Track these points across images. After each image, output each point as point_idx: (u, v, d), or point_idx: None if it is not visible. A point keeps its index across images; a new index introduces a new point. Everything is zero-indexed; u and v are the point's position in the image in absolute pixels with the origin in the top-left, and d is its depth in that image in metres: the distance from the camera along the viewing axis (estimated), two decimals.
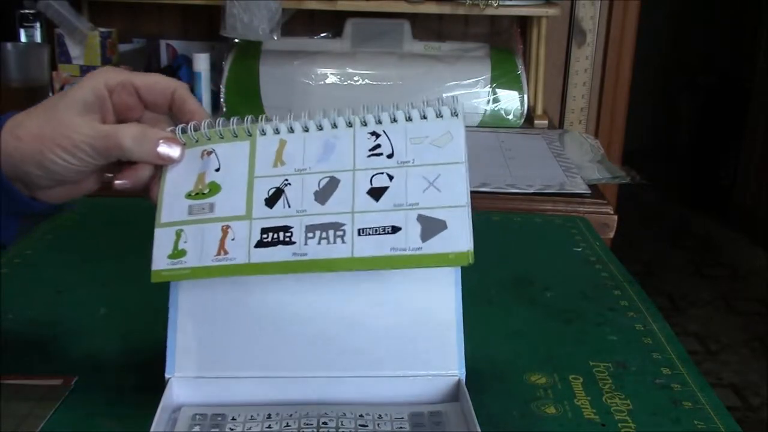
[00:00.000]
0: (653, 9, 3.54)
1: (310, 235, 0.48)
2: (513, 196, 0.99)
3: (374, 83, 1.33)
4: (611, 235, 0.97)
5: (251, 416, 0.47)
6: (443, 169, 0.49)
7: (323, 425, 0.46)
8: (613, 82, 1.61)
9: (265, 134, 0.52)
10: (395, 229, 0.48)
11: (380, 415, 0.47)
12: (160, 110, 0.53)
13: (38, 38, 1.30)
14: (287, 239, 0.48)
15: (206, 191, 0.50)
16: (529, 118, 1.36)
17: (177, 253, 0.49)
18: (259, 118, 0.52)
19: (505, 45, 1.44)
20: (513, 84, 1.33)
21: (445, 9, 1.36)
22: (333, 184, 0.49)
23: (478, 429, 0.45)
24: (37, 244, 0.80)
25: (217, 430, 0.46)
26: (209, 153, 0.52)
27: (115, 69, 0.51)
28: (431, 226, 0.48)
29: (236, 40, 1.34)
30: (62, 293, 0.69)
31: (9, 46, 1.04)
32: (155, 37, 1.55)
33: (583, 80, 1.59)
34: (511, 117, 1.33)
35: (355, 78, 1.33)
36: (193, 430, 0.46)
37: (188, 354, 0.49)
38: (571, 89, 1.59)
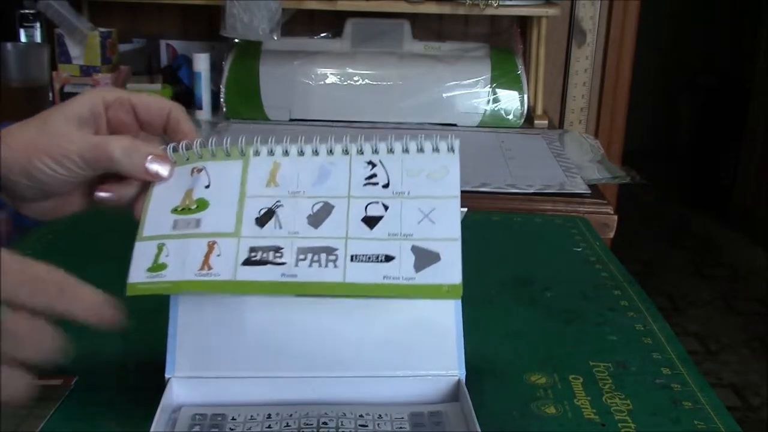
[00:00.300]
0: (653, 9, 3.54)
1: (301, 257, 0.47)
2: (513, 196, 0.99)
3: (374, 83, 1.33)
4: (611, 235, 0.97)
5: (251, 416, 0.47)
6: (438, 203, 0.49)
7: (323, 425, 0.46)
8: (613, 82, 1.61)
9: (258, 155, 0.51)
10: (389, 258, 0.47)
11: (380, 415, 0.47)
12: (154, 130, 0.52)
13: (38, 38, 1.30)
14: (277, 259, 0.47)
15: (193, 207, 0.49)
16: (529, 118, 1.36)
17: (157, 267, 0.48)
18: (254, 139, 0.52)
19: (505, 45, 1.44)
20: (513, 84, 1.33)
21: (445, 9, 1.36)
22: (327, 209, 0.49)
23: (478, 429, 0.45)
24: (36, 244, 0.80)
25: (217, 430, 0.46)
26: (199, 170, 0.51)
27: (112, 87, 0.52)
28: (425, 257, 0.47)
29: (236, 40, 1.34)
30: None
31: (9, 46, 1.04)
32: (155, 37, 1.55)
33: (583, 80, 1.59)
34: (511, 117, 1.33)
35: (355, 78, 1.33)
36: (193, 430, 0.46)
37: (188, 354, 0.49)
38: (571, 89, 1.59)
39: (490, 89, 1.33)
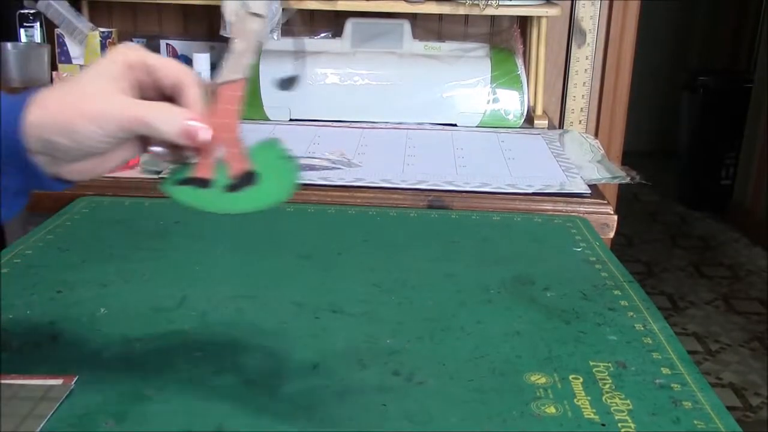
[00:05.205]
0: (653, 9, 3.54)
1: None
2: (513, 196, 0.99)
3: (374, 83, 1.33)
4: (611, 235, 0.97)
5: None
6: None
7: None
8: (613, 82, 1.61)
9: None
10: None
11: None
12: (168, 92, 0.52)
13: (38, 38, 1.30)
14: None
15: None
16: (529, 118, 1.36)
17: None
18: None
19: (505, 45, 1.44)
20: (513, 84, 1.33)
21: (445, 9, 1.36)
22: None
23: None
24: (36, 244, 0.80)
25: None
26: None
27: (134, 46, 0.51)
28: None
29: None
30: (62, 293, 0.69)
31: (9, 46, 1.04)
32: (155, 37, 1.55)
33: (583, 80, 1.59)
34: (511, 117, 1.33)
35: (355, 78, 1.33)
36: None
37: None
38: (571, 89, 1.59)
39: (490, 89, 1.33)
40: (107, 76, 0.49)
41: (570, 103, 1.60)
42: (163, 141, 0.50)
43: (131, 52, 0.50)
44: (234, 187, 0.51)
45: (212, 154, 0.51)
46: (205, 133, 0.49)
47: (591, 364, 0.60)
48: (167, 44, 1.53)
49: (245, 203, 0.51)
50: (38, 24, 1.30)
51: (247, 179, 0.51)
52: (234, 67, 0.51)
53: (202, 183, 0.51)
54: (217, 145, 0.51)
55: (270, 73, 1.33)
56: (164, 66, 0.51)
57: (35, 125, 0.47)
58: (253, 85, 1.33)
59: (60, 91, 0.48)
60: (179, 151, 0.51)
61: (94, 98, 0.48)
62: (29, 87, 1.03)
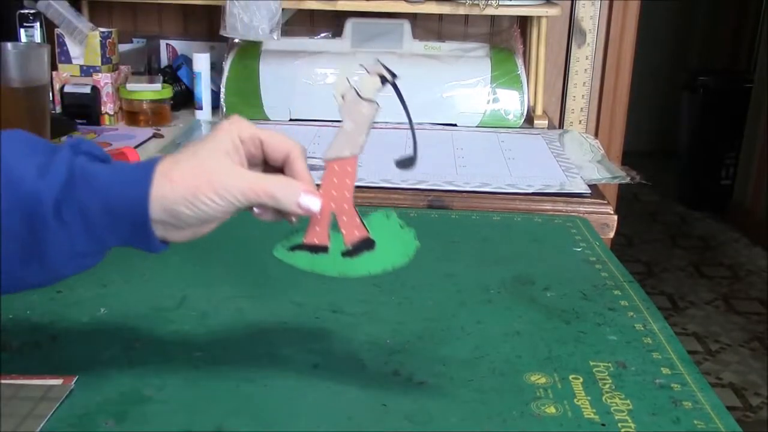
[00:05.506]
0: (653, 9, 3.54)
1: None
2: (513, 196, 0.99)
3: None
4: (611, 235, 0.97)
5: None
6: None
7: None
8: (613, 82, 1.61)
9: None
10: None
11: None
12: (275, 165, 0.56)
13: (38, 38, 1.30)
14: None
15: None
16: (529, 118, 1.36)
17: None
18: None
19: (505, 45, 1.44)
20: (513, 84, 1.33)
21: (445, 9, 1.36)
22: None
23: None
24: None
25: None
26: None
27: (245, 121, 0.54)
28: None
29: (236, 40, 1.34)
30: (62, 293, 0.69)
31: (9, 46, 1.04)
32: (155, 37, 1.55)
33: (583, 80, 1.59)
34: (511, 117, 1.33)
35: (355, 78, 1.32)
36: None
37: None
38: (571, 89, 1.59)
39: (490, 89, 1.33)
40: (224, 150, 0.52)
41: (570, 103, 1.60)
42: (278, 209, 0.54)
43: (243, 126, 0.54)
44: (351, 252, 0.55)
45: (326, 222, 0.55)
46: (318, 203, 0.53)
47: (591, 364, 0.60)
48: (167, 44, 1.53)
49: (365, 267, 0.56)
50: (38, 24, 1.30)
51: (364, 245, 0.55)
52: (346, 145, 0.55)
53: (318, 249, 0.56)
54: (332, 214, 0.55)
55: (270, 73, 1.33)
56: (274, 140, 0.55)
57: (161, 197, 0.50)
58: (253, 85, 1.33)
59: (184, 164, 0.51)
60: (285, 216, 0.55)
61: (218, 172, 0.51)
62: (29, 87, 1.04)
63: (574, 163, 1.13)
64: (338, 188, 0.55)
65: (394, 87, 0.55)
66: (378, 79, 0.55)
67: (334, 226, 0.55)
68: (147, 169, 0.50)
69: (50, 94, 1.16)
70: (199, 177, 0.51)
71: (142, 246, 0.52)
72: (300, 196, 0.53)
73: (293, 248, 0.56)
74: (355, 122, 0.55)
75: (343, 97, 0.55)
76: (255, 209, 0.54)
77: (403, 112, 0.56)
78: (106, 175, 0.50)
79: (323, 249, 0.56)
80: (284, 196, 0.52)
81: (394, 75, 0.55)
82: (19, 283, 0.51)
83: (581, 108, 1.60)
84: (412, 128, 0.57)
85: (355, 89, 0.55)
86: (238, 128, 0.54)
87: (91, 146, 0.52)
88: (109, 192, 0.49)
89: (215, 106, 1.36)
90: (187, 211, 0.51)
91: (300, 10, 1.40)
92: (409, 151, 0.55)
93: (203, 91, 1.34)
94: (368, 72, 0.55)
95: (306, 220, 0.55)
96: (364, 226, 0.55)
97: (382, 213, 0.56)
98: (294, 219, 0.55)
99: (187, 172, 0.51)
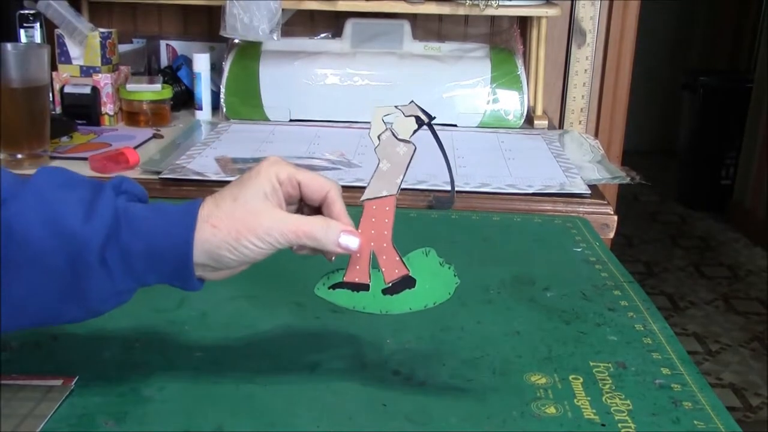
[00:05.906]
0: (653, 9, 3.54)
1: None
2: (513, 196, 0.99)
3: (374, 83, 1.33)
4: (611, 235, 0.97)
5: None
6: None
7: None
8: (613, 82, 1.61)
9: None
10: None
11: None
12: (313, 204, 0.57)
13: (38, 38, 1.30)
14: None
15: None
16: (529, 118, 1.36)
17: None
18: None
19: (505, 45, 1.44)
20: (513, 84, 1.33)
21: (445, 9, 1.36)
22: None
23: None
24: None
25: None
26: None
27: (283, 161, 0.55)
28: None
29: (236, 40, 1.34)
30: None
31: (9, 46, 1.04)
32: (155, 37, 1.55)
33: (583, 80, 1.59)
34: (511, 117, 1.33)
35: (355, 78, 1.33)
36: None
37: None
38: (571, 89, 1.59)
39: (490, 89, 1.33)
40: (263, 193, 0.53)
41: (570, 103, 1.60)
42: (321, 249, 0.55)
43: (282, 168, 0.55)
44: (392, 290, 0.57)
45: (366, 260, 0.57)
46: (356, 242, 0.55)
47: (591, 364, 0.60)
48: (167, 45, 1.53)
49: (406, 304, 0.57)
50: (38, 24, 1.30)
51: (405, 283, 0.57)
52: (383, 185, 0.56)
53: (359, 287, 0.57)
54: (372, 252, 0.56)
55: (270, 73, 1.33)
56: (313, 181, 0.56)
57: (204, 241, 0.51)
58: (253, 85, 1.33)
59: (226, 209, 0.52)
60: (324, 253, 0.56)
61: (260, 216, 0.52)
62: (29, 87, 1.04)
63: (574, 164, 1.13)
64: (377, 227, 0.56)
65: (430, 128, 0.56)
66: (414, 120, 0.55)
67: (375, 264, 0.57)
68: (190, 213, 0.51)
69: (50, 95, 1.16)
70: (240, 221, 0.52)
71: (180, 285, 0.53)
72: (340, 236, 0.54)
73: (334, 286, 0.58)
74: (391, 162, 0.56)
75: (379, 138, 0.56)
76: (297, 251, 0.55)
77: (440, 152, 0.57)
78: (150, 219, 0.51)
79: (364, 287, 0.57)
80: (324, 236, 0.54)
81: (430, 117, 0.55)
82: (56, 319, 0.52)
83: (581, 108, 1.60)
84: (448, 167, 0.58)
85: (391, 131, 0.56)
86: (276, 170, 0.54)
87: (131, 185, 0.53)
88: (153, 236, 0.50)
89: (215, 106, 1.36)
90: (229, 255, 0.52)
91: (300, 11, 1.40)
92: (447, 187, 0.56)
93: (203, 91, 1.34)
94: (404, 113, 0.55)
95: (345, 257, 0.56)
96: (404, 264, 0.56)
97: (421, 251, 0.57)
98: (333, 257, 0.56)
99: (229, 216, 0.52)
